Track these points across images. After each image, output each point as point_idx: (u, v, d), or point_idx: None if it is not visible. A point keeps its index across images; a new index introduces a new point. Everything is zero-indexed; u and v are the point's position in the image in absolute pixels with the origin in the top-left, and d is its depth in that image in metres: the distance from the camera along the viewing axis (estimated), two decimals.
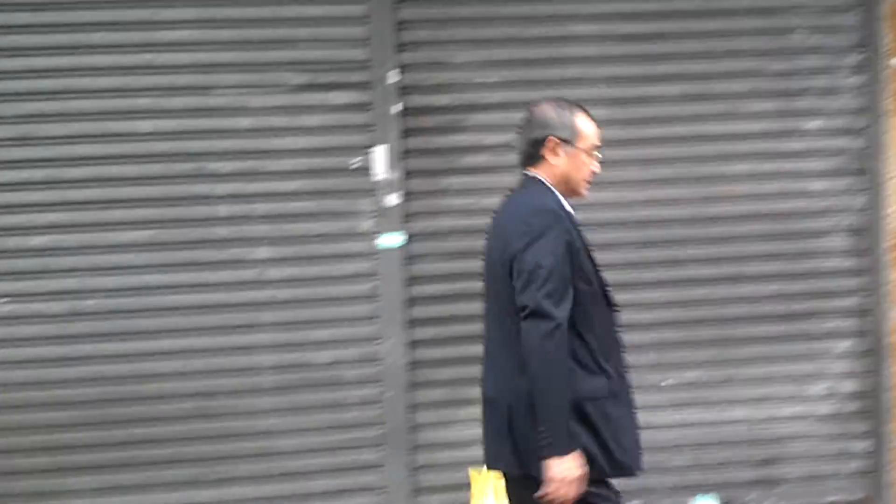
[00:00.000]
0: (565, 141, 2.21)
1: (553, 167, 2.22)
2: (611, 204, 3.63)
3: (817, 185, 3.75)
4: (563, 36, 3.61)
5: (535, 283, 2.02)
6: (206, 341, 3.47)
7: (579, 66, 3.62)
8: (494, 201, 3.40)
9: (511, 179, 3.39)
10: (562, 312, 2.02)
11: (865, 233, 3.76)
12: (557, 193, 2.21)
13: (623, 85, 3.65)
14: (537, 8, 3.58)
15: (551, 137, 2.20)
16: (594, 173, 2.29)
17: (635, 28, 3.65)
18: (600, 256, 3.52)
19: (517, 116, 3.47)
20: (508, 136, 3.43)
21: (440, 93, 3.55)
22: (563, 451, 2.01)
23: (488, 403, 2.24)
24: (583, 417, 2.08)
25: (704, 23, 3.69)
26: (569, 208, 2.21)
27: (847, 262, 3.77)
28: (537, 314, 2.01)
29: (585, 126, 2.24)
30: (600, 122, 3.49)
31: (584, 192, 2.29)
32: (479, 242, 3.46)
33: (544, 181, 2.22)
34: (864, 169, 3.75)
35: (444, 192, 3.56)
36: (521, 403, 2.08)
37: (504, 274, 2.12)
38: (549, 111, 2.23)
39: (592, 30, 3.62)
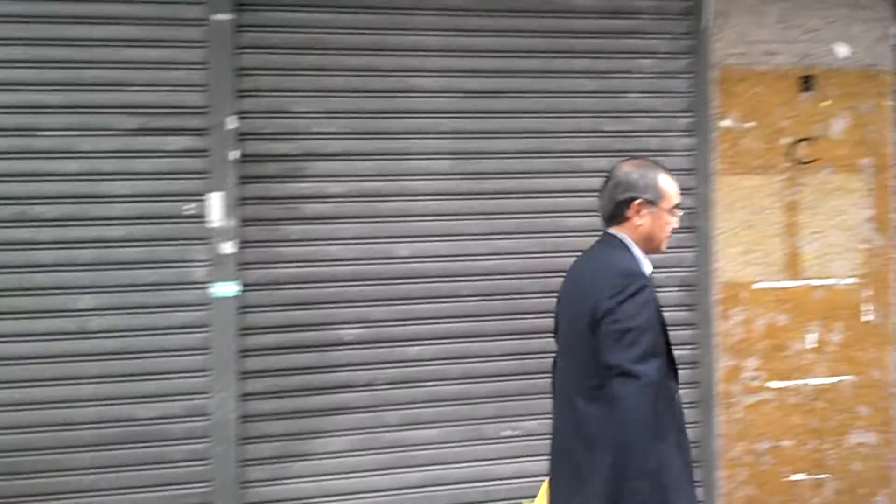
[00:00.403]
0: (650, 202, 2.27)
1: (637, 227, 2.28)
2: (453, 255, 3.69)
3: None
4: (406, 89, 3.67)
5: (625, 343, 2.06)
6: (23, 394, 3.30)
7: (423, 119, 3.68)
8: (334, 250, 3.45)
9: (355, 228, 3.44)
10: (651, 371, 2.05)
11: (695, 287, 3.95)
12: (638, 252, 2.28)
13: (465, 139, 3.73)
14: (380, 60, 3.64)
15: (636, 199, 2.27)
16: (675, 230, 2.35)
17: (479, 84, 3.75)
18: (443, 307, 3.62)
19: (359, 165, 3.58)
20: (350, 186, 3.48)
21: (280, 140, 3.54)
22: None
23: (566, 452, 2.26)
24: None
25: (545, 82, 3.83)
26: (648, 271, 2.27)
27: (679, 315, 3.93)
28: (628, 374, 2.04)
29: (668, 186, 2.30)
30: (443, 175, 3.63)
31: (664, 248, 2.34)
32: (318, 292, 3.51)
33: (627, 240, 2.28)
34: (695, 226, 3.95)
35: (281, 241, 3.54)
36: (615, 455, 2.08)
37: (586, 331, 2.16)
38: (633, 173, 2.29)
39: (436, 84, 3.70)
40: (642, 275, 2.19)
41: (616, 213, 2.30)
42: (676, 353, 3.81)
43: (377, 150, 3.62)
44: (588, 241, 3.71)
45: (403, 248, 3.65)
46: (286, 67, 3.55)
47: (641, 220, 2.27)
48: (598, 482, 2.10)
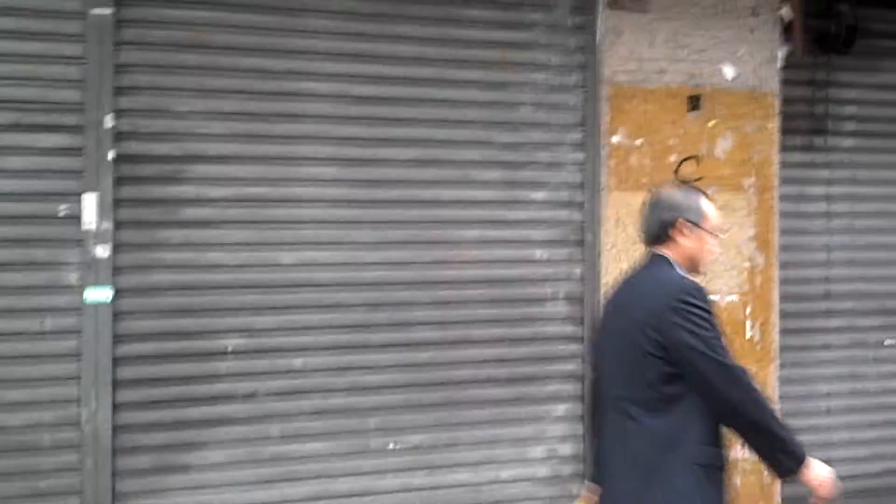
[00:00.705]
0: (692, 222, 2.63)
1: (681, 247, 2.64)
2: (340, 264, 4.08)
3: (540, 253, 4.43)
4: (295, 92, 4.04)
5: (705, 348, 2.43)
6: None
7: (312, 124, 4.05)
8: (216, 256, 3.80)
9: (238, 234, 3.80)
10: (735, 361, 2.46)
11: (583, 301, 4.49)
12: (682, 271, 2.62)
13: (356, 146, 4.11)
14: (269, 62, 4.00)
15: (680, 219, 2.62)
16: (715, 252, 2.71)
17: (370, 90, 4.15)
18: (328, 317, 4.02)
19: (244, 170, 3.95)
20: (233, 190, 3.83)
21: (160, 140, 3.83)
22: (805, 460, 2.51)
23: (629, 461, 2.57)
24: (697, 480, 2.49)
25: (438, 90, 4.27)
26: None
27: (567, 329, 4.45)
28: (722, 368, 2.45)
29: (709, 208, 2.67)
30: (332, 182, 4.04)
31: (705, 269, 2.71)
32: (198, 299, 3.85)
33: (672, 260, 2.63)
34: (583, 240, 4.50)
35: (159, 246, 3.83)
36: (679, 459, 2.48)
37: (647, 347, 2.49)
38: (677, 194, 2.67)
39: (327, 88, 4.09)
40: (702, 288, 2.52)
41: (660, 233, 2.66)
42: (560, 367, 4.40)
43: (263, 154, 3.96)
44: (480, 253, 4.25)
45: (288, 256, 4.01)
46: (168, 65, 3.85)
47: (685, 239, 2.63)
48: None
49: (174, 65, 3.85)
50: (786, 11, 4.66)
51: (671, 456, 2.48)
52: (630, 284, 2.72)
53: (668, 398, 2.49)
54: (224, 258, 3.90)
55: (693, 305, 2.47)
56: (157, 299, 3.79)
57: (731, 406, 2.47)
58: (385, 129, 4.16)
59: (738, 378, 2.47)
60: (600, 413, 2.73)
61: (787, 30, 4.68)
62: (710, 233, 2.69)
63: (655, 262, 2.67)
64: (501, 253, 4.33)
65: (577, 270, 4.42)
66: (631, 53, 4.45)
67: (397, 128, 4.18)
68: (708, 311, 2.49)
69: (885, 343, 4.94)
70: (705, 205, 2.68)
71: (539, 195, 4.38)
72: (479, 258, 4.28)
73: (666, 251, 2.66)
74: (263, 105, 3.96)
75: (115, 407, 3.71)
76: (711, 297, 2.58)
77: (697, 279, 2.62)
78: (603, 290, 4.36)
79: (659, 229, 2.67)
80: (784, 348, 4.77)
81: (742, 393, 2.46)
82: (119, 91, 3.75)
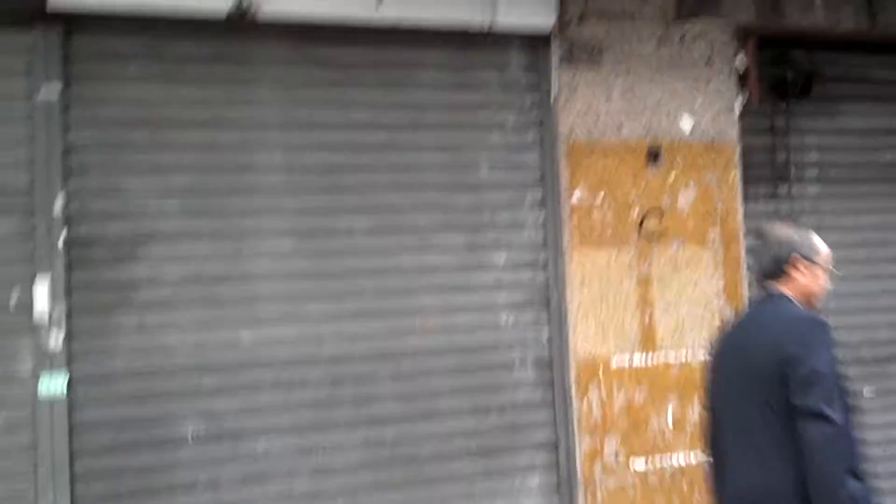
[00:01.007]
0: (808, 258, 3.01)
1: (797, 282, 3.00)
2: (300, 340, 4.46)
3: (505, 317, 4.88)
4: (248, 165, 4.43)
5: (816, 387, 2.70)
6: None
7: (266, 197, 4.40)
8: (172, 339, 4.17)
9: (194, 314, 4.18)
10: (839, 416, 2.68)
11: (551, 365, 4.95)
12: (799, 306, 2.95)
13: (312, 217, 4.47)
14: (221, 136, 4.37)
15: (795, 255, 3.00)
16: (828, 287, 3.06)
17: (324, 159, 4.54)
18: (290, 396, 4.41)
19: (198, 247, 4.34)
20: (188, 269, 4.21)
21: (112, 221, 4.15)
22: None
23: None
24: None
25: (394, 156, 4.69)
26: None
27: (536, 395, 4.88)
28: (820, 417, 2.68)
29: (820, 243, 3.04)
30: (288, 255, 4.46)
31: (819, 304, 3.03)
32: (154, 385, 4.22)
33: (789, 295, 2.98)
34: (549, 301, 4.98)
35: (113, 331, 4.14)
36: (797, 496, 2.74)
37: (773, 382, 2.79)
38: (788, 230, 3.04)
39: (280, 159, 4.50)
40: (824, 323, 2.82)
41: (776, 270, 3.02)
42: (532, 436, 4.85)
43: (217, 230, 4.30)
44: (442, 321, 4.70)
45: (246, 335, 4.36)
46: (118, 143, 4.19)
47: (800, 275, 2.99)
48: None
49: (124, 143, 4.19)
50: (740, 61, 5.23)
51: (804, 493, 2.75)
52: (749, 323, 3.09)
53: (796, 428, 2.77)
54: (180, 340, 4.21)
55: (812, 338, 2.82)
56: (113, 387, 4.10)
57: (809, 446, 2.75)
58: (341, 197, 4.54)
59: (823, 425, 2.72)
60: (718, 452, 3.09)
61: (743, 79, 5.22)
62: (824, 268, 3.06)
63: (775, 300, 3.02)
64: (465, 319, 4.71)
65: (544, 333, 4.84)
66: (588, 108, 4.94)
67: (353, 196, 4.56)
68: (826, 346, 2.80)
69: (864, 394, 5.44)
70: (816, 240, 3.05)
71: (501, 257, 4.80)
72: (442, 326, 4.65)
73: (782, 287, 3.02)
74: (216, 179, 4.32)
75: (75, 502, 4.02)
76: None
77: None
78: (572, 352, 4.80)
79: (774, 266, 3.03)
80: None
81: (822, 441, 2.73)
82: (69, 172, 4.08)
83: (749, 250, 3.27)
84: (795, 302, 2.99)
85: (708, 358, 3.24)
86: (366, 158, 4.60)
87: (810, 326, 2.85)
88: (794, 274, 3.03)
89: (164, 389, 4.16)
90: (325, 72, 4.53)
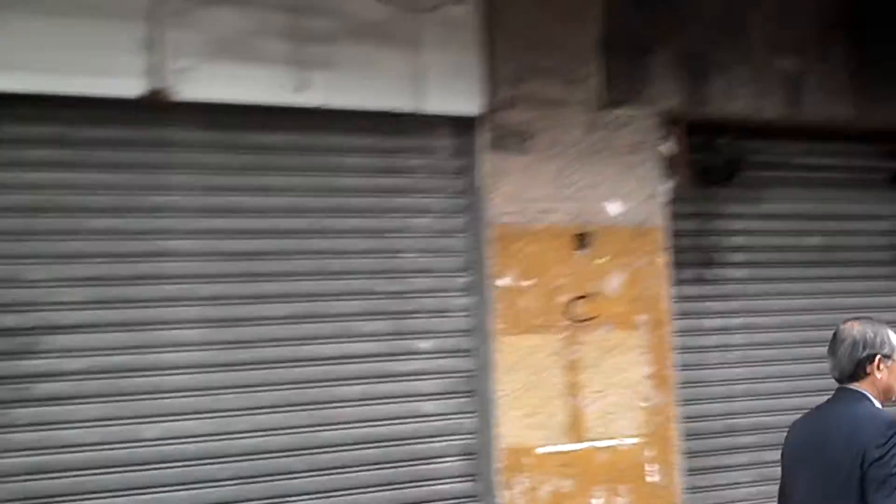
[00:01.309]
0: (887, 356, 2.84)
1: (878, 381, 2.84)
2: (208, 434, 3.89)
3: (429, 406, 4.32)
4: (157, 252, 3.92)
5: (892, 487, 2.61)
6: None
7: (175, 284, 3.93)
8: (72, 435, 3.57)
9: (96, 408, 3.59)
10: None
11: (476, 455, 4.36)
12: (878, 404, 2.84)
13: (225, 305, 4.00)
14: (129, 222, 3.88)
15: (878, 356, 2.83)
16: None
17: (240, 245, 4.07)
18: (199, 494, 3.79)
19: (101, 338, 3.76)
20: (91, 361, 3.64)
21: (10, 312, 3.65)
22: None
23: None
24: None
25: (316, 241, 4.21)
26: None
27: (461, 487, 4.31)
28: None
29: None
30: (198, 345, 3.87)
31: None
32: (52, 483, 3.59)
33: (868, 394, 2.83)
34: (475, 390, 4.40)
35: (7, 427, 3.60)
36: None
37: (852, 482, 2.67)
38: (868, 332, 2.86)
39: (191, 246, 3.98)
40: None
41: (856, 370, 2.85)
42: None
43: (122, 320, 3.81)
44: (363, 410, 4.10)
45: (152, 429, 3.81)
46: (18, 231, 3.71)
47: (880, 374, 2.84)
48: None
49: (25, 230, 3.73)
50: (666, 147, 4.78)
51: None
52: (827, 420, 2.90)
53: None
54: (80, 436, 3.71)
55: (893, 440, 2.69)
56: (7, 486, 3.56)
57: None
58: (259, 284, 4.08)
59: None
60: None
61: (672, 165, 4.76)
62: None
63: (853, 398, 2.87)
64: (387, 409, 4.24)
65: (470, 422, 4.34)
66: (516, 194, 4.48)
67: (272, 283, 4.11)
68: None
69: None
70: (892, 336, 2.91)
71: (426, 344, 4.33)
72: (363, 416, 4.16)
73: (861, 386, 2.87)
74: (122, 268, 3.85)
75: None
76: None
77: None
78: (498, 442, 4.23)
79: (856, 367, 2.87)
80: (689, 489, 4.69)
81: None
82: None
83: (829, 349, 3.00)
84: (873, 399, 2.88)
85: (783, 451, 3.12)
86: (287, 244, 4.16)
87: (890, 429, 2.75)
88: (876, 373, 2.89)
89: (62, 489, 3.63)
90: (244, 156, 4.09)
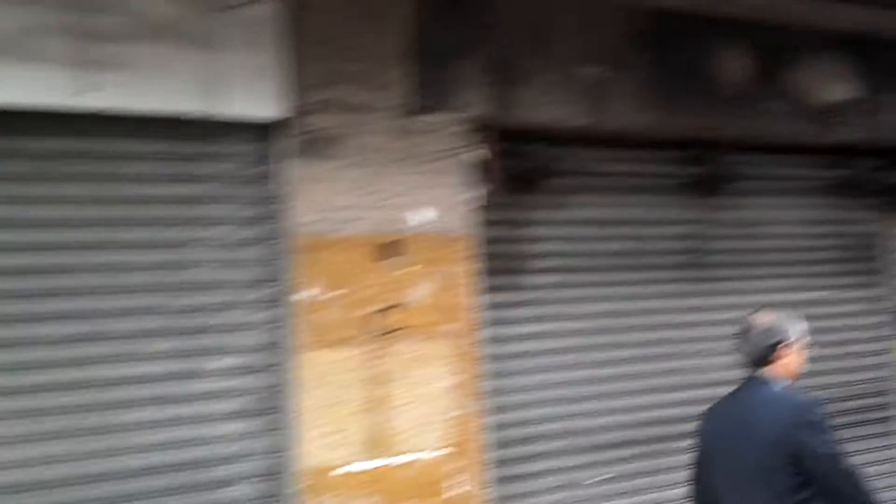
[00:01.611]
0: (794, 341, 3.17)
1: (784, 364, 3.16)
2: None
3: (224, 428, 4.03)
4: None
5: (836, 465, 2.93)
6: None
7: None
8: None
9: None
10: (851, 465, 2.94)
11: (275, 477, 4.11)
12: (785, 384, 3.12)
13: None
14: None
15: (786, 342, 3.15)
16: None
17: (10, 261, 3.65)
18: None
19: None
20: None
21: None
22: None
23: None
24: None
25: (98, 255, 3.82)
26: None
27: None
28: (847, 474, 2.95)
29: (801, 324, 3.22)
30: None
31: (800, 375, 3.20)
32: None
33: (775, 378, 3.13)
34: (276, 407, 4.15)
35: None
36: None
37: (775, 457, 2.93)
38: (775, 320, 3.19)
39: None
40: (817, 400, 3.08)
41: (766, 355, 3.15)
42: None
43: None
44: (152, 437, 3.79)
45: None
46: None
47: (787, 358, 3.16)
48: None
49: None
50: (475, 154, 4.65)
51: None
52: (744, 404, 3.17)
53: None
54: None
55: (820, 419, 3.01)
56: None
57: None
58: (33, 304, 3.69)
59: (857, 480, 2.99)
60: None
61: (481, 172, 4.65)
62: (804, 344, 3.23)
63: (762, 383, 3.16)
64: (178, 434, 3.92)
65: (269, 443, 4.08)
66: (320, 202, 4.23)
67: (49, 302, 3.71)
68: (828, 422, 3.01)
69: (585, 483, 4.90)
70: (798, 321, 3.23)
71: (222, 363, 4.04)
72: (149, 443, 3.83)
73: (772, 370, 3.16)
74: None
75: None
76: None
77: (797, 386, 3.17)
78: (298, 462, 4.02)
79: (766, 353, 3.16)
80: (500, 498, 4.63)
81: (858, 492, 2.99)
82: None
83: (737, 339, 3.30)
84: (781, 382, 3.15)
85: (697, 438, 3.34)
86: (65, 259, 3.77)
87: (810, 408, 3.03)
88: (784, 358, 3.18)
89: None
90: (14, 165, 3.60)
